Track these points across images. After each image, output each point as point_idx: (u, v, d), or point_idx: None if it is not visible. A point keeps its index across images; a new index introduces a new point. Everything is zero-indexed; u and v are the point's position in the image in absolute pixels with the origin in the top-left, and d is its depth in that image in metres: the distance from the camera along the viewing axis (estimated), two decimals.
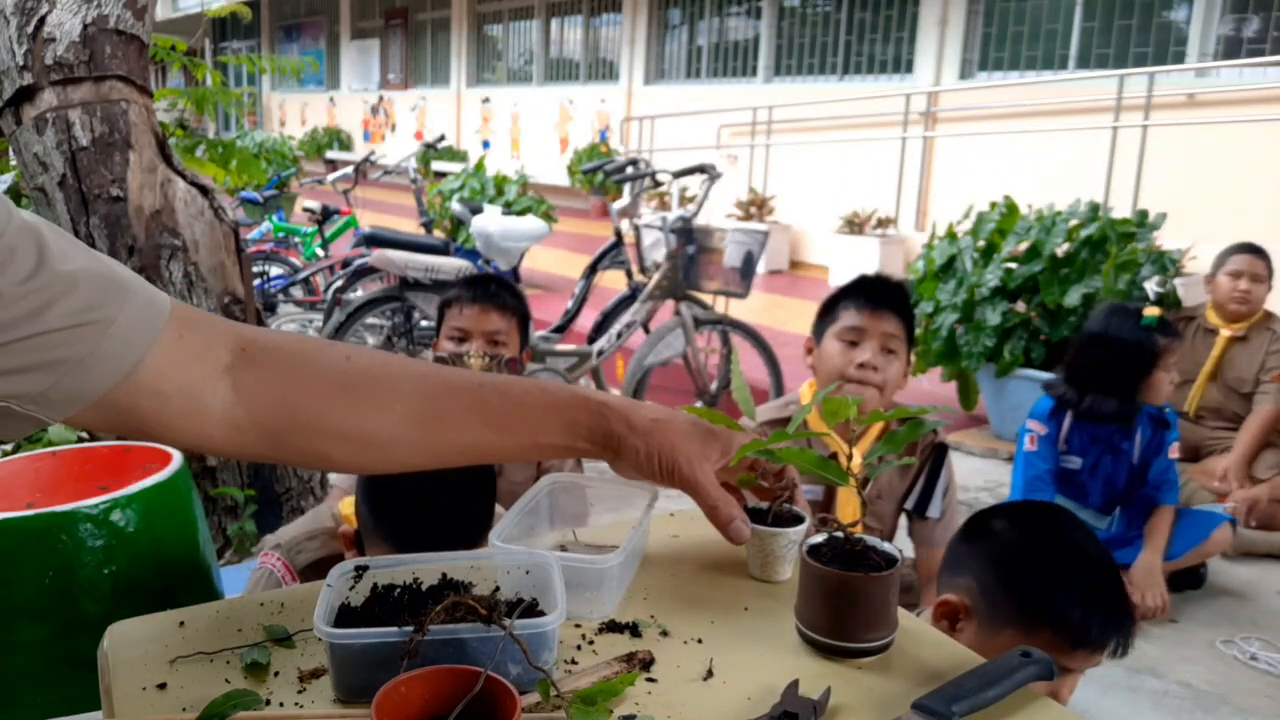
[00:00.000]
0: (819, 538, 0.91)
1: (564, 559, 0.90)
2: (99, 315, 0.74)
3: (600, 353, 4.26)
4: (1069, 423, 2.98)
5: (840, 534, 0.90)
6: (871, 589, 0.85)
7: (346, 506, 1.50)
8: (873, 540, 0.91)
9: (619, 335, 4.26)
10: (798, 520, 0.96)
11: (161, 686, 0.80)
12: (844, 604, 0.85)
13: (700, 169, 4.26)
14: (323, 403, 0.85)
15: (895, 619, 0.88)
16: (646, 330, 4.25)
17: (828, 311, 2.12)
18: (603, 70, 12.61)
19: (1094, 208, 4.27)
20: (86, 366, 0.74)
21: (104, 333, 0.74)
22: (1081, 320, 4.08)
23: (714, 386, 4.30)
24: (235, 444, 0.84)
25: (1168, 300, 4.00)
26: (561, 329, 4.64)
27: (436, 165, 12.53)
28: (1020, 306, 4.15)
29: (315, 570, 1.51)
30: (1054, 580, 1.22)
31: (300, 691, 0.80)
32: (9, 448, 2.38)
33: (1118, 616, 1.21)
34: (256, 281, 5.79)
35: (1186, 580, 3.02)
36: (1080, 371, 2.96)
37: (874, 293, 2.07)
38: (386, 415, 0.85)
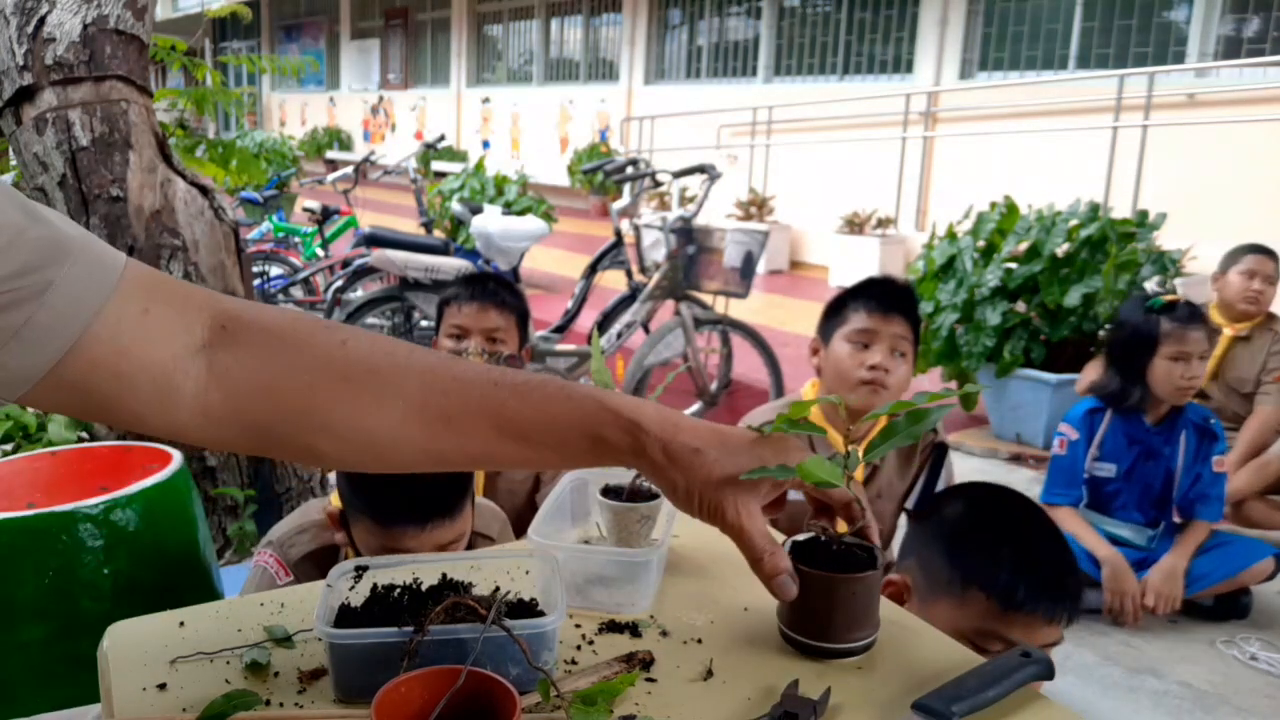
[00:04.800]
0: (802, 537, 0.91)
1: (609, 553, 0.91)
2: (31, 281, 0.65)
3: (600, 352, 4.26)
4: (1106, 423, 2.91)
5: (823, 535, 0.90)
6: (852, 589, 0.84)
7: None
8: (854, 540, 0.90)
9: (619, 335, 4.26)
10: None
11: (161, 687, 0.80)
12: (825, 605, 0.84)
13: (700, 169, 4.26)
14: (312, 394, 0.74)
15: (877, 619, 0.87)
16: (646, 330, 4.24)
17: (835, 313, 2.12)
18: (603, 70, 12.60)
19: (1094, 208, 4.26)
20: (23, 339, 0.66)
21: (38, 301, 0.66)
22: (1082, 320, 4.08)
23: (714, 386, 4.30)
24: (211, 435, 0.74)
25: None
26: (561, 329, 4.64)
27: (436, 165, 12.52)
28: (1020, 306, 4.15)
29: (307, 563, 1.51)
30: (983, 543, 1.23)
31: (300, 692, 0.80)
32: (9, 448, 2.38)
33: (1050, 582, 1.22)
34: (256, 281, 5.78)
35: (1232, 609, 2.88)
36: (1107, 358, 3.00)
37: (883, 295, 2.07)
38: (386, 413, 0.74)
